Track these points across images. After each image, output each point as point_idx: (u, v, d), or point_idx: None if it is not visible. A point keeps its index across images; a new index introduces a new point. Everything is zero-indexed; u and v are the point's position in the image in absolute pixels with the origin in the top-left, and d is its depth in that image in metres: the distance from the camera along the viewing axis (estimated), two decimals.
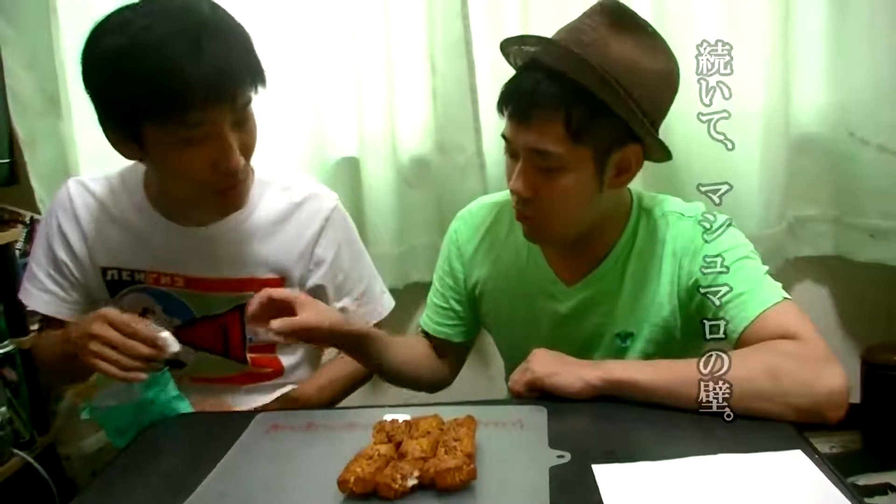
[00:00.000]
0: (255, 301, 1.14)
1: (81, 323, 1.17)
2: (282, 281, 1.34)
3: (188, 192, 1.24)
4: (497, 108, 1.17)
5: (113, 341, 1.11)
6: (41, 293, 1.34)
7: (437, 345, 1.40)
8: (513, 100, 1.13)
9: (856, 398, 2.11)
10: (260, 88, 1.18)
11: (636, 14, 1.13)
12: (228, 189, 1.22)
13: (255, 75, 1.16)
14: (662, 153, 1.15)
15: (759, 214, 2.07)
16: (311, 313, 1.13)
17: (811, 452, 0.91)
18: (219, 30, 1.11)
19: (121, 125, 1.15)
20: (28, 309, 1.38)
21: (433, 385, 1.40)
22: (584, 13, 1.13)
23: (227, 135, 1.14)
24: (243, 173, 1.21)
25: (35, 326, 1.85)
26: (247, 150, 1.19)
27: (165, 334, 1.13)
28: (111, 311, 1.14)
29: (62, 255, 1.33)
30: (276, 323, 1.10)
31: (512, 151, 1.16)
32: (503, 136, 1.17)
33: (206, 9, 1.12)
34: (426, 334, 1.40)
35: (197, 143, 1.13)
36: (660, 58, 1.12)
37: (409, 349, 1.37)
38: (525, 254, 1.29)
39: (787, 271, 2.20)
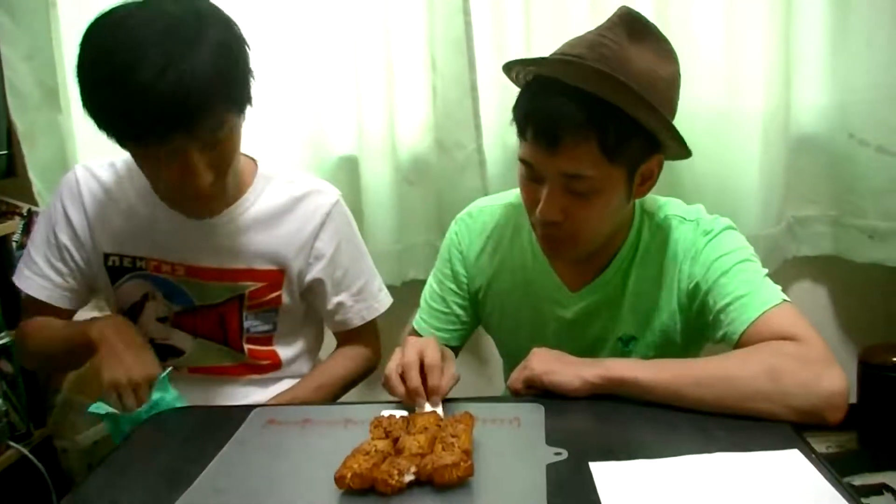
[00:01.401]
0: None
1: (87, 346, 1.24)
2: (281, 273, 1.34)
3: (161, 194, 1.28)
4: (518, 133, 1.12)
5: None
6: (37, 277, 1.34)
7: None
8: (539, 124, 1.08)
9: (853, 398, 2.11)
10: (243, 109, 1.17)
11: (647, 19, 1.11)
12: (195, 200, 1.23)
13: (227, 101, 1.13)
14: (683, 152, 1.14)
15: (758, 214, 2.07)
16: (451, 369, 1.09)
17: (808, 452, 0.91)
18: (194, 52, 1.07)
19: (99, 126, 1.15)
20: (23, 293, 1.37)
21: None
22: (603, 25, 1.09)
23: (192, 156, 1.13)
24: (216, 187, 1.20)
25: None
26: (219, 168, 1.18)
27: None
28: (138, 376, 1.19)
29: (65, 239, 1.33)
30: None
31: (534, 176, 1.12)
32: (522, 159, 1.13)
33: (192, 28, 1.09)
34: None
35: (159, 160, 1.14)
36: (670, 62, 1.11)
37: None
38: (530, 259, 1.28)
39: (786, 271, 2.20)
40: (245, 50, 1.16)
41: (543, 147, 1.08)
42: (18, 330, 1.42)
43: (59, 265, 1.34)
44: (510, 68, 1.14)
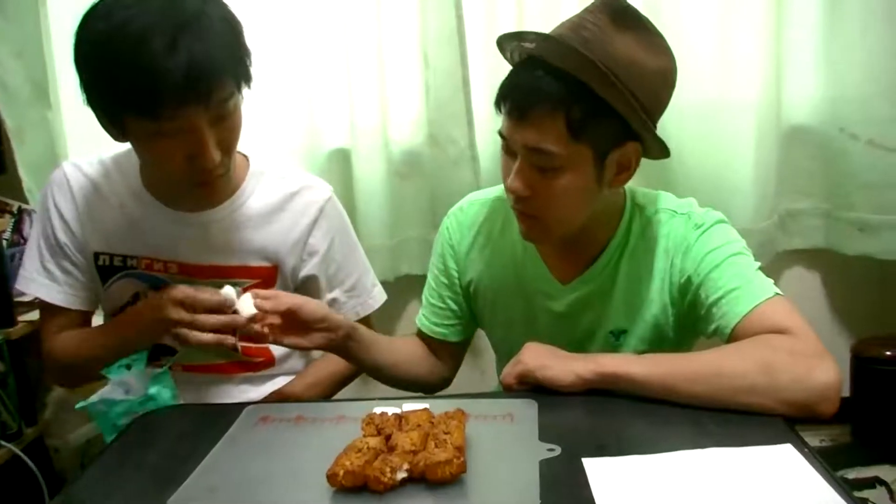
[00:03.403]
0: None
1: (145, 313, 1.22)
2: (274, 270, 1.34)
3: (166, 181, 1.26)
4: (495, 105, 1.14)
5: (193, 323, 1.15)
6: (52, 283, 1.32)
7: (435, 344, 1.38)
8: (511, 97, 1.10)
9: (846, 392, 2.11)
10: (244, 86, 1.17)
11: (637, 11, 1.11)
12: (204, 183, 1.21)
13: (235, 74, 1.14)
14: (661, 150, 1.14)
15: (750, 208, 2.08)
16: (301, 297, 1.16)
17: (801, 446, 0.91)
18: (200, 26, 1.08)
19: (102, 110, 1.15)
20: (37, 298, 1.35)
21: (432, 386, 1.39)
22: (587, 9, 1.10)
23: (203, 131, 1.12)
24: (222, 168, 1.19)
25: (26, 316, 1.85)
26: (226, 146, 1.18)
27: (229, 292, 1.16)
28: (178, 292, 1.17)
29: (63, 238, 1.31)
30: (267, 303, 1.13)
31: (509, 149, 1.14)
32: (500, 133, 1.14)
33: (191, 2, 1.10)
34: (423, 334, 1.39)
35: (171, 137, 1.12)
36: (660, 55, 1.11)
37: (403, 350, 1.36)
38: (520, 252, 1.28)
39: (778, 264, 2.21)
40: (242, 27, 1.17)
41: (514, 119, 1.10)
42: (44, 347, 1.35)
43: (68, 265, 1.32)
44: (503, 46, 1.15)
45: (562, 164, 1.09)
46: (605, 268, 1.23)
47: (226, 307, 1.15)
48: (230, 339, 1.16)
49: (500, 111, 1.13)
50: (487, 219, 1.32)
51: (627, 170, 1.15)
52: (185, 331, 1.15)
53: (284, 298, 1.16)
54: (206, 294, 1.16)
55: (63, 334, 1.33)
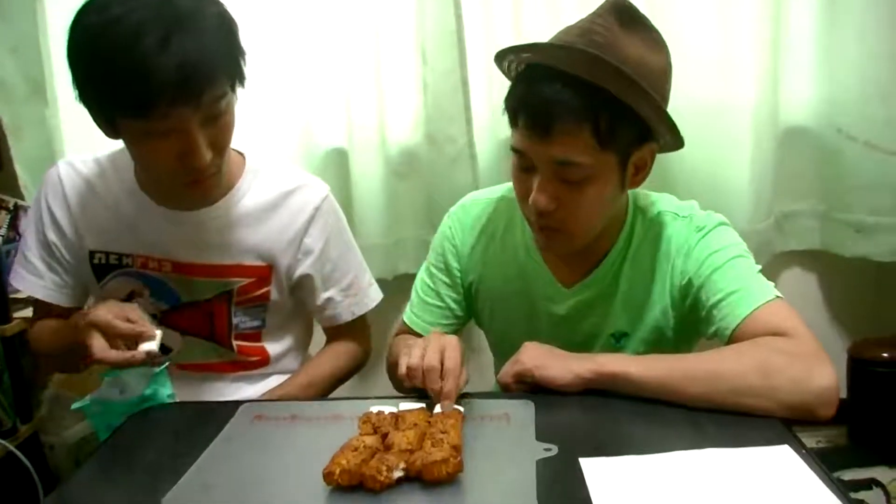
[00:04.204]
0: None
1: (77, 329, 1.19)
2: (268, 268, 1.34)
3: (157, 180, 1.26)
4: (510, 122, 1.11)
5: (101, 356, 1.13)
6: (35, 278, 1.34)
7: None
8: (530, 111, 1.07)
9: (842, 394, 2.11)
10: (237, 85, 1.17)
11: (638, 10, 1.11)
12: (196, 182, 1.20)
13: (228, 73, 1.14)
14: (676, 143, 1.13)
15: (747, 209, 2.07)
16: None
17: (798, 448, 0.91)
18: (194, 25, 1.07)
19: (94, 107, 1.14)
20: (25, 294, 1.38)
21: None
22: (595, 13, 1.09)
23: (194, 131, 1.11)
24: (214, 167, 1.19)
25: (22, 313, 1.84)
26: (218, 146, 1.17)
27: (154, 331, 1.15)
28: (99, 317, 1.14)
29: (53, 237, 1.32)
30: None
31: (526, 165, 1.12)
32: (514, 148, 1.12)
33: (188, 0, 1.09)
34: (412, 332, 1.37)
35: (163, 136, 1.11)
36: (661, 52, 1.11)
37: None
38: (523, 254, 1.28)
39: (775, 266, 2.21)
40: (237, 25, 1.16)
41: (536, 134, 1.07)
42: (28, 334, 1.43)
43: (54, 264, 1.33)
44: (503, 58, 1.13)
45: (589, 174, 1.08)
46: (609, 271, 1.23)
47: (139, 339, 1.14)
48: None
49: (516, 126, 1.10)
50: (491, 219, 1.32)
51: (644, 169, 1.15)
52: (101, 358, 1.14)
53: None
54: (125, 326, 1.14)
55: (38, 324, 1.38)
